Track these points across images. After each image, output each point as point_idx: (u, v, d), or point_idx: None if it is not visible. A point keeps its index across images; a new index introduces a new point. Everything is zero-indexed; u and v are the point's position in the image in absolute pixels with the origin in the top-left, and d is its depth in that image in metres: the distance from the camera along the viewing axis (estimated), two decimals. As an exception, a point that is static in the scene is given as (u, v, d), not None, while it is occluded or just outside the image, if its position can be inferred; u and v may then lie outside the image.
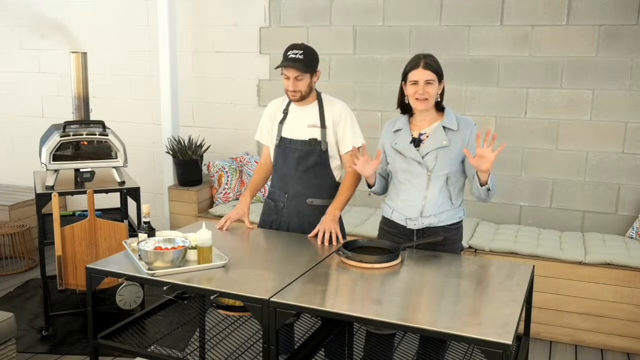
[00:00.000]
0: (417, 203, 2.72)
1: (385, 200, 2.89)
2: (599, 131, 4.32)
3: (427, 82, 2.63)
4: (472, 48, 4.54)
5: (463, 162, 2.73)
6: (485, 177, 2.56)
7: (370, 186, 2.85)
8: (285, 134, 3.05)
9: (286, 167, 3.04)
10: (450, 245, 2.77)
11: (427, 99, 2.64)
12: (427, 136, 2.72)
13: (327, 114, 3.00)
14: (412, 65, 2.67)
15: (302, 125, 3.02)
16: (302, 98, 2.97)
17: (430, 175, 2.68)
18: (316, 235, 2.89)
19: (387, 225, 2.86)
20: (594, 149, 4.34)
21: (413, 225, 2.73)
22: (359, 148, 2.84)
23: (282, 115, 3.09)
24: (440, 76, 2.68)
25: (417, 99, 2.65)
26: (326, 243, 2.83)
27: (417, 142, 2.73)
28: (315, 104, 3.03)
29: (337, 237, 2.85)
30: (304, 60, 2.88)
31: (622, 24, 4.16)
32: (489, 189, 2.58)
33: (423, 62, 2.64)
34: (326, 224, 2.89)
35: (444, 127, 2.70)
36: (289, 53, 2.91)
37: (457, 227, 2.79)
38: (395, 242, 2.71)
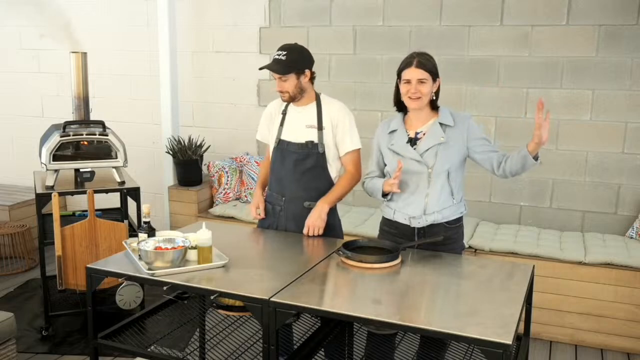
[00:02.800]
0: (420, 201, 2.72)
1: (385, 202, 2.89)
2: (599, 131, 4.31)
3: (420, 81, 2.63)
4: (472, 48, 4.54)
5: (465, 158, 2.76)
6: (538, 149, 2.55)
7: (385, 195, 2.82)
8: (284, 136, 3.04)
9: (283, 170, 3.03)
10: (452, 244, 2.77)
11: (419, 97, 2.64)
12: (424, 134, 2.72)
13: (325, 116, 2.99)
14: (406, 63, 2.68)
15: (300, 126, 3.01)
16: (292, 98, 2.96)
17: (431, 173, 2.69)
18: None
19: (388, 226, 2.86)
20: (594, 149, 4.34)
21: (417, 223, 2.74)
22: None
23: (281, 117, 3.08)
24: (434, 75, 2.67)
25: (409, 97, 2.65)
26: (310, 234, 2.95)
27: (413, 141, 2.74)
28: (314, 104, 3.02)
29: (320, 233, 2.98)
30: (285, 61, 2.87)
31: (622, 24, 4.16)
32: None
33: (416, 61, 2.64)
34: (311, 221, 2.94)
35: (440, 124, 2.71)
36: (274, 54, 2.92)
37: (458, 225, 2.80)
38: (395, 242, 2.72)
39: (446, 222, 2.75)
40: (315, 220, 2.94)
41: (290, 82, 2.91)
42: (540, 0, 4.32)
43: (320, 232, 2.95)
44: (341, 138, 3.01)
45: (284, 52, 2.89)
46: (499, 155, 2.71)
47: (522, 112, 4.48)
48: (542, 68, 4.38)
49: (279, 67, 2.88)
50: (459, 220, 2.80)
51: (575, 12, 4.26)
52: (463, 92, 4.59)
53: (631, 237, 4.19)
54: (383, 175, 2.90)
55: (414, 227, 2.76)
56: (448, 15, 4.57)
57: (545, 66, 4.38)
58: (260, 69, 2.98)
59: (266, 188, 3.20)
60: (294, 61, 2.90)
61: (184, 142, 5.14)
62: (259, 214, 3.11)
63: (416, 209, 2.73)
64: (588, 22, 4.23)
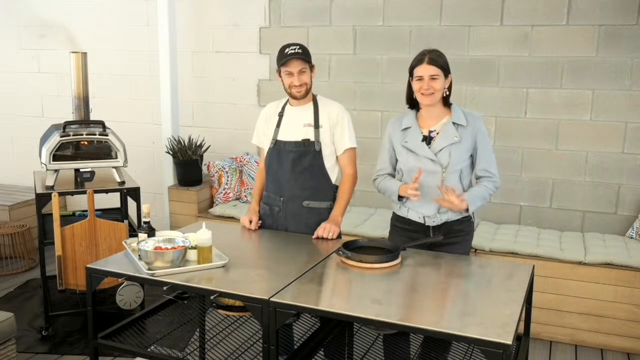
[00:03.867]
0: (434, 200, 2.73)
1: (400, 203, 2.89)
2: (599, 131, 4.31)
3: (432, 78, 2.67)
4: (472, 48, 4.54)
5: (472, 156, 2.79)
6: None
7: (400, 198, 2.83)
8: (280, 136, 3.04)
9: (281, 170, 3.03)
10: (464, 236, 2.82)
11: (432, 93, 2.68)
12: (437, 133, 2.74)
13: (322, 114, 3.01)
14: (417, 61, 2.71)
15: (297, 125, 3.02)
16: (307, 92, 2.99)
17: (445, 172, 2.71)
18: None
19: (401, 222, 2.88)
20: (594, 149, 4.34)
21: (432, 222, 2.77)
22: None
23: (277, 119, 3.08)
24: (446, 71, 2.71)
25: (422, 94, 2.68)
26: (326, 236, 2.90)
27: (428, 140, 2.75)
28: (311, 104, 3.04)
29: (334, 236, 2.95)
30: (303, 53, 2.92)
31: (622, 24, 4.16)
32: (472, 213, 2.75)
33: (427, 58, 2.68)
34: (330, 226, 2.94)
35: (454, 123, 2.73)
36: (287, 50, 2.93)
37: (469, 217, 2.84)
38: (409, 238, 2.75)
39: (458, 218, 2.79)
40: (334, 226, 2.95)
41: (307, 75, 2.96)
42: (540, 0, 4.32)
43: (335, 235, 2.95)
44: (340, 136, 3.01)
45: (297, 46, 2.93)
46: (477, 177, 2.81)
47: (522, 112, 4.48)
48: (542, 68, 4.38)
49: (304, 57, 2.91)
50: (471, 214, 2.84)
51: (575, 12, 4.26)
52: (463, 92, 4.59)
53: (631, 237, 4.19)
54: (394, 170, 2.90)
55: (428, 225, 2.78)
56: (448, 15, 4.57)
57: (545, 66, 4.38)
58: (281, 64, 2.91)
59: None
60: (309, 54, 2.97)
61: (184, 142, 5.14)
62: (252, 227, 3.09)
63: (430, 209, 2.76)
64: (588, 22, 4.23)
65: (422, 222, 2.79)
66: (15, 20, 5.99)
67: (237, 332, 2.90)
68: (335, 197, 3.08)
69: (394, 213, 2.94)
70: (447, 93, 2.74)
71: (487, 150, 2.78)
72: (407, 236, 2.79)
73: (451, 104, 2.79)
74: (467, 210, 2.70)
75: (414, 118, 2.81)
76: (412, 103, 2.83)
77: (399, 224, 2.90)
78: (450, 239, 2.77)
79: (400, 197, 2.81)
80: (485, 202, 2.78)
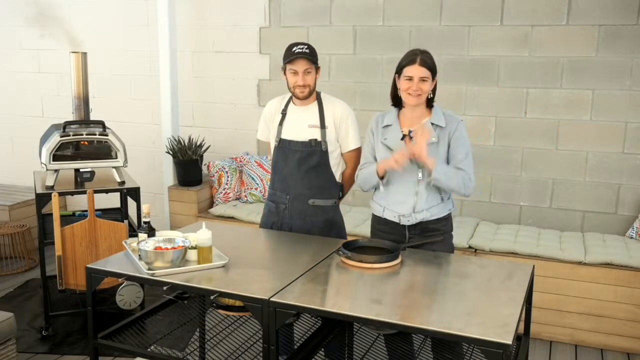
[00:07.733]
0: (409, 199, 2.75)
1: (374, 199, 2.90)
2: (599, 131, 4.31)
3: (422, 79, 2.67)
4: (472, 48, 4.54)
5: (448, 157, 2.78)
6: (427, 166, 2.62)
7: (382, 178, 2.79)
8: (285, 135, 3.05)
9: (287, 169, 3.04)
10: (442, 235, 2.79)
11: (420, 95, 2.68)
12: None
13: (327, 114, 3.01)
14: (409, 60, 2.70)
15: (302, 125, 3.02)
16: (310, 93, 2.99)
17: (421, 171, 2.70)
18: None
19: (379, 223, 2.88)
20: (594, 149, 4.34)
21: (407, 221, 2.76)
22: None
23: (280, 116, 3.09)
24: (434, 73, 2.71)
25: (409, 94, 2.68)
26: None
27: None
28: (315, 103, 3.04)
29: None
30: (310, 53, 2.93)
31: (622, 24, 4.16)
32: (430, 181, 2.64)
33: (419, 59, 2.67)
34: None
35: (432, 124, 2.73)
36: (294, 48, 2.93)
37: (446, 217, 2.83)
38: (389, 240, 2.73)
39: (435, 219, 2.77)
40: None
41: (313, 76, 2.97)
42: (540, 0, 4.32)
43: None
44: (344, 136, 3.03)
45: (305, 46, 2.93)
46: None
47: (522, 112, 4.48)
48: (542, 68, 4.38)
49: (310, 57, 2.91)
50: (448, 215, 2.84)
51: (575, 12, 4.26)
52: (463, 92, 4.59)
53: (631, 237, 4.19)
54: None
55: (404, 225, 2.78)
56: (448, 15, 4.57)
57: (545, 66, 4.38)
58: (288, 61, 2.90)
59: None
60: (316, 55, 2.97)
61: (184, 142, 5.14)
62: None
63: (405, 207, 2.76)
64: (588, 22, 4.23)
65: (398, 221, 2.77)
66: (16, 20, 5.99)
67: (237, 332, 2.90)
68: (339, 195, 3.13)
69: (372, 215, 2.93)
70: (431, 95, 2.75)
71: (460, 151, 2.72)
72: (386, 239, 2.77)
73: (433, 105, 2.79)
74: (430, 174, 2.62)
75: (395, 116, 2.81)
76: (396, 101, 2.83)
77: (377, 224, 2.90)
78: (427, 239, 2.75)
79: (381, 178, 2.76)
80: (451, 183, 2.66)
